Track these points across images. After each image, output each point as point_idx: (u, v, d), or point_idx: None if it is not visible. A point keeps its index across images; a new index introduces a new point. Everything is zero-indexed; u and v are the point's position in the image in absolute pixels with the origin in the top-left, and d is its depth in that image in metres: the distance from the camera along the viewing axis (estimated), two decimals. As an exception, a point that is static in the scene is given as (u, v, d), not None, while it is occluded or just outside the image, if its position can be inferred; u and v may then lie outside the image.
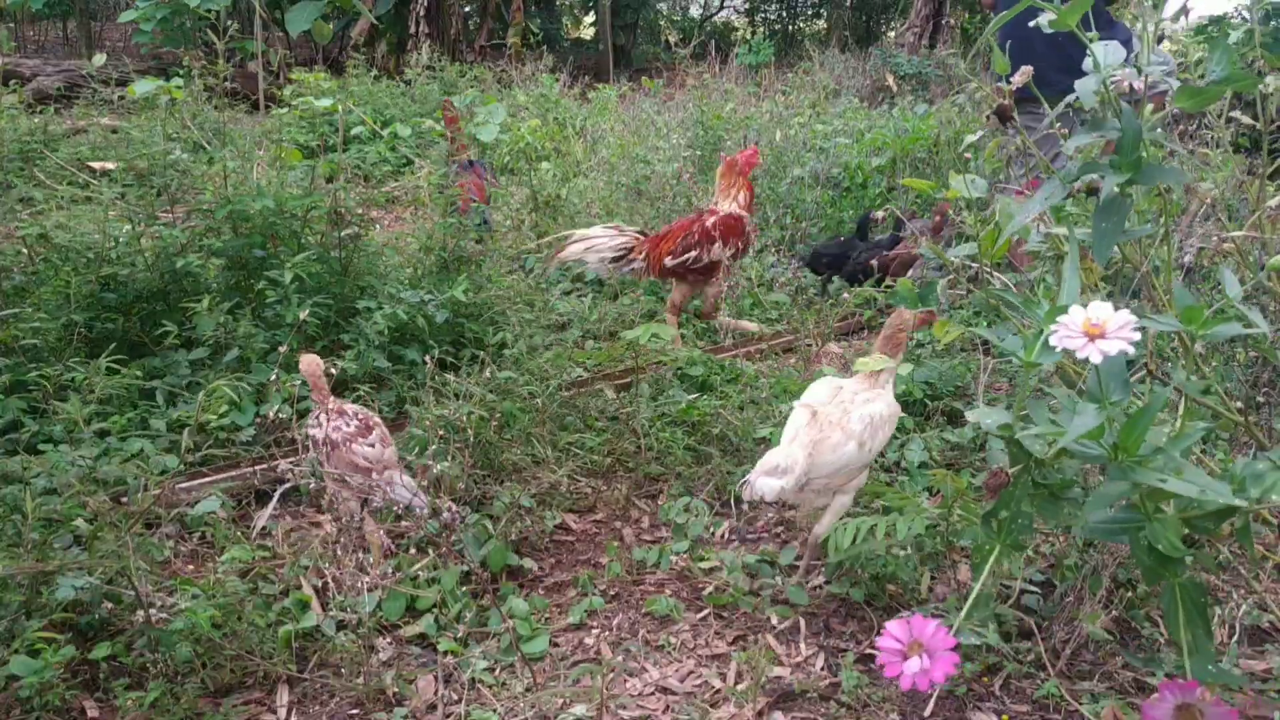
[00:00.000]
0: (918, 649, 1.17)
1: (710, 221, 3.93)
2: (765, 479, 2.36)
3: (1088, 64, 1.48)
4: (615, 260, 4.22)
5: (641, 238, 4.24)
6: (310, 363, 2.56)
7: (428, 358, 3.00)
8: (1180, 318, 1.32)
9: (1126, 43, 1.53)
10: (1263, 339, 1.44)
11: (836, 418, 2.39)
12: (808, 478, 2.36)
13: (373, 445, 2.48)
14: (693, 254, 3.90)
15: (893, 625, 1.19)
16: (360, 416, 2.54)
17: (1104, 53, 1.45)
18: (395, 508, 2.51)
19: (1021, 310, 1.40)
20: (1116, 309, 1.18)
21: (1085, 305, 1.19)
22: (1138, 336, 1.14)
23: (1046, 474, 1.39)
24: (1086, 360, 1.16)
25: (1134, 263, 1.86)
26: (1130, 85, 1.51)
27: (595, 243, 4.27)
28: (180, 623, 2.11)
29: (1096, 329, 1.15)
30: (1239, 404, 1.91)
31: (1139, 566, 1.32)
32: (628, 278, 4.44)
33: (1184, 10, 1.70)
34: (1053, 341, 1.18)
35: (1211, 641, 1.28)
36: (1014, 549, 1.36)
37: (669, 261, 3.99)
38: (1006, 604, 2.31)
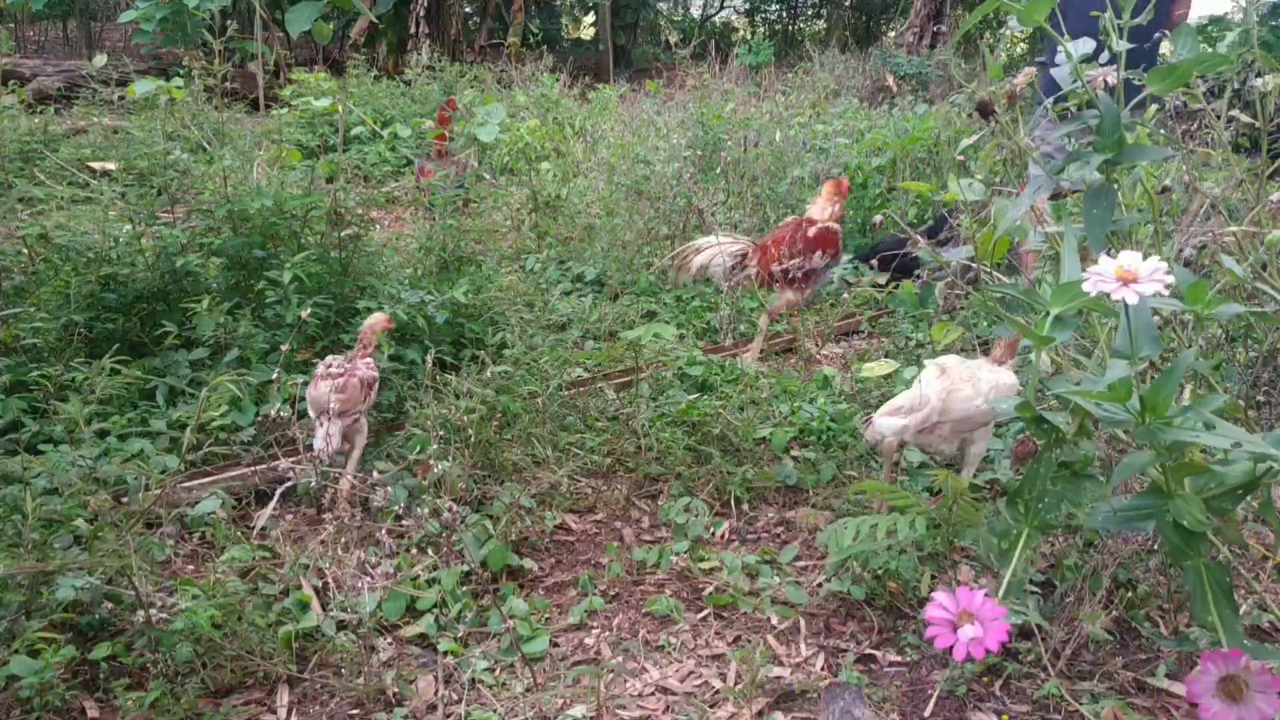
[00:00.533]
0: (968, 618, 1.17)
1: (812, 232, 4.06)
2: (887, 418, 2.60)
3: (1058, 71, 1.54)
4: (734, 266, 4.31)
5: (752, 247, 4.32)
6: (372, 321, 2.97)
7: (427, 357, 3.00)
8: (1184, 297, 1.32)
9: None
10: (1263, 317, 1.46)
11: (967, 375, 2.58)
12: (937, 419, 2.56)
13: (326, 389, 2.75)
14: (796, 261, 4.03)
15: (940, 595, 1.19)
16: (352, 372, 2.81)
17: (1075, 48, 1.52)
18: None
19: (1022, 309, 1.41)
20: None
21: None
22: (1171, 279, 1.17)
23: (1070, 451, 1.40)
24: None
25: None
26: (1105, 80, 1.56)
27: (723, 247, 4.34)
28: (180, 623, 2.11)
29: (1129, 274, 1.18)
30: (1240, 403, 1.92)
31: (1166, 546, 1.33)
32: (743, 285, 4.50)
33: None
34: (1086, 288, 1.21)
35: (1238, 621, 1.28)
36: (1042, 530, 1.37)
37: (777, 268, 4.11)
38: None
